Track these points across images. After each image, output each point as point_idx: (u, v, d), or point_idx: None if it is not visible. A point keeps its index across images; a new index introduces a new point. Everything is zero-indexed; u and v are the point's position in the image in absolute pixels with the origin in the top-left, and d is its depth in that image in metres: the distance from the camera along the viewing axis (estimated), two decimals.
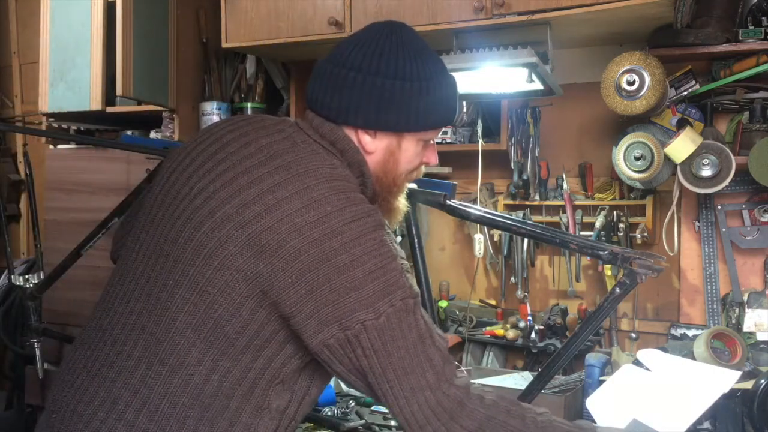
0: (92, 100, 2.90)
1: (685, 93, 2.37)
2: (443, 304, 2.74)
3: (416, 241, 1.65)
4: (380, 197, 1.36)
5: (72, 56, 2.95)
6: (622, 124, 2.44)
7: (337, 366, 1.18)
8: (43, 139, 3.28)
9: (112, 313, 1.25)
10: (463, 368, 1.23)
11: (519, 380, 2.42)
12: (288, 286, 1.14)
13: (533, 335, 2.52)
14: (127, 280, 1.26)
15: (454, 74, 2.21)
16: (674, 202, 2.41)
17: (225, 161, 1.23)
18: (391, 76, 1.27)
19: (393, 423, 2.22)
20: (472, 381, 1.29)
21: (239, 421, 1.21)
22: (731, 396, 1.98)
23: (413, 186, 1.66)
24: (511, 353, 2.68)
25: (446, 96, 1.34)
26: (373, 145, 1.31)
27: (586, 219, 2.53)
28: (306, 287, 1.13)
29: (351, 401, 2.42)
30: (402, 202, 1.41)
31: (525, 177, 2.58)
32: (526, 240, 2.60)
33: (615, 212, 2.48)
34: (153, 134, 2.91)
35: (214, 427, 1.20)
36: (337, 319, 1.14)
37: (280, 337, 1.20)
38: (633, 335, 2.52)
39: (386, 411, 2.34)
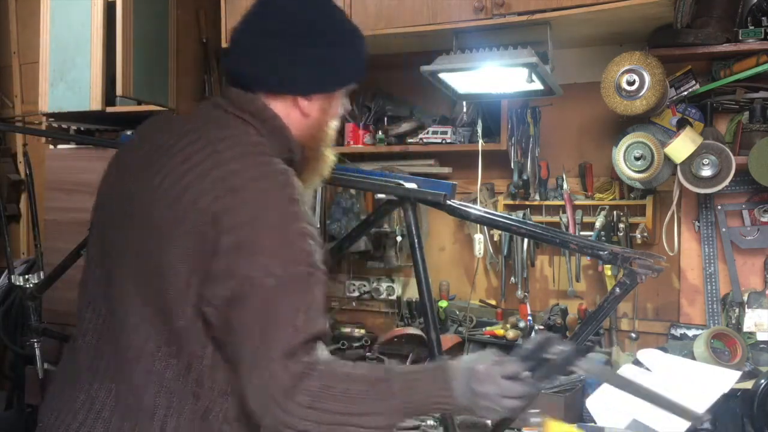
0: (92, 100, 2.90)
1: (685, 93, 2.37)
2: (443, 304, 2.74)
3: (416, 241, 1.65)
4: (316, 151, 1.41)
5: (72, 56, 2.94)
6: (622, 124, 2.43)
7: (216, 323, 1.18)
8: (43, 139, 3.28)
9: (82, 321, 1.32)
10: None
11: None
12: (199, 245, 1.17)
13: (533, 335, 2.52)
14: (90, 284, 1.33)
15: (454, 74, 2.25)
16: (674, 202, 2.41)
17: (157, 158, 1.28)
18: (312, 37, 1.32)
19: None
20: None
21: (209, 407, 1.23)
22: (731, 396, 1.98)
23: (413, 186, 1.66)
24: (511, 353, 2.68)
25: (362, 47, 1.41)
26: (310, 108, 1.36)
27: (586, 219, 2.53)
28: (211, 242, 1.16)
29: None
30: (330, 153, 1.46)
31: (525, 177, 2.58)
32: (526, 240, 2.60)
33: (615, 212, 2.48)
34: None
35: (183, 416, 1.21)
36: (228, 273, 1.16)
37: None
38: (633, 335, 2.52)
39: None
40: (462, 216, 1.69)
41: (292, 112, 1.35)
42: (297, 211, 1.21)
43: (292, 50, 1.32)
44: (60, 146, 3.21)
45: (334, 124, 1.43)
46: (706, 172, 2.25)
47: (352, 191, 2.88)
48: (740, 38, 2.23)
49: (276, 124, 1.33)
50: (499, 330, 2.62)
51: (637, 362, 2.17)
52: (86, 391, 1.25)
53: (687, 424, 1.90)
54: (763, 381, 1.97)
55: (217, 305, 1.17)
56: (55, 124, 3.11)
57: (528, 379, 1.19)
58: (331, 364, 1.20)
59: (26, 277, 2.62)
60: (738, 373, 2.01)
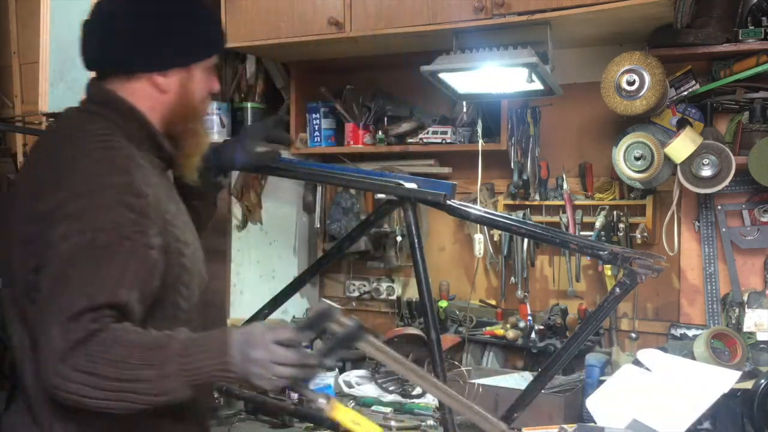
0: None
1: (685, 93, 2.37)
2: (443, 304, 2.74)
3: (416, 241, 1.65)
4: (184, 128, 1.44)
5: (72, 56, 2.90)
6: (622, 124, 2.43)
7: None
8: None
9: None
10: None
11: (519, 380, 2.42)
12: (25, 231, 1.25)
13: (533, 335, 2.52)
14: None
15: (454, 74, 2.25)
16: (674, 202, 2.41)
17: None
18: (159, 15, 1.37)
19: (393, 423, 2.22)
20: None
21: None
22: (731, 396, 1.98)
23: (413, 186, 1.66)
24: (511, 353, 2.68)
25: (214, 20, 1.48)
26: (168, 84, 1.39)
27: (586, 219, 2.53)
28: (31, 218, 1.24)
29: (351, 401, 2.42)
30: (204, 128, 1.51)
31: (525, 177, 2.58)
32: (526, 240, 2.60)
33: (615, 212, 2.48)
34: None
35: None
36: (36, 241, 1.21)
37: None
38: (633, 335, 2.52)
39: (386, 411, 2.35)
40: (462, 216, 1.69)
41: (149, 90, 1.38)
42: (118, 182, 1.24)
43: (134, 28, 1.36)
44: None
45: (200, 100, 1.45)
46: (706, 172, 2.25)
47: (352, 191, 2.88)
48: (740, 38, 2.23)
49: (124, 108, 1.36)
50: (499, 330, 2.62)
51: (637, 362, 2.17)
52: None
53: (687, 424, 1.90)
54: (763, 381, 1.97)
55: (31, 279, 1.21)
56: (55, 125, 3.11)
57: (303, 349, 1.17)
58: (119, 332, 1.17)
59: None
60: (738, 373, 2.01)
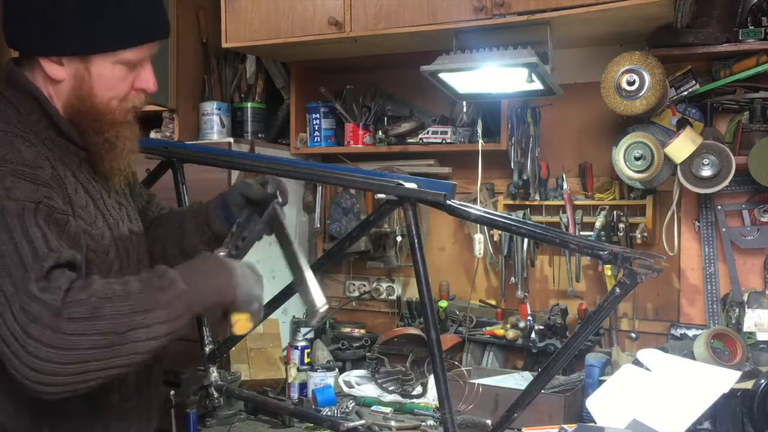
0: None
1: (685, 93, 2.37)
2: (443, 304, 2.74)
3: (416, 241, 1.65)
4: (86, 127, 1.30)
5: None
6: (622, 124, 2.43)
7: None
8: None
9: None
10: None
11: (519, 380, 2.42)
12: None
13: (533, 335, 2.52)
14: None
15: (454, 74, 2.25)
16: (674, 202, 2.41)
17: None
18: None
19: (393, 423, 2.22)
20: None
21: None
22: (731, 396, 1.98)
23: (413, 186, 1.66)
24: (511, 353, 2.68)
25: (130, 7, 1.27)
26: (61, 73, 1.26)
27: (586, 219, 2.53)
28: None
29: (351, 401, 2.42)
30: (125, 131, 1.33)
31: (525, 177, 2.58)
32: (526, 240, 2.60)
33: (615, 212, 2.48)
34: (153, 134, 2.91)
35: None
36: None
37: None
38: (633, 335, 2.52)
39: (386, 411, 2.35)
40: (462, 216, 1.69)
41: (43, 76, 1.26)
42: (4, 155, 1.14)
43: (31, 4, 1.23)
44: None
45: (107, 99, 1.29)
46: (706, 172, 2.25)
47: (352, 191, 2.88)
48: (740, 38, 2.23)
49: (23, 86, 1.26)
50: (499, 330, 2.62)
51: (637, 362, 2.17)
52: None
53: (687, 424, 1.90)
54: (763, 381, 1.97)
55: None
56: None
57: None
58: (90, 277, 1.15)
59: None
60: (738, 373, 2.01)
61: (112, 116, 1.30)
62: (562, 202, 2.56)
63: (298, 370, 2.54)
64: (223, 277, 1.21)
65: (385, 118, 2.88)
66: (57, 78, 1.26)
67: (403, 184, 1.66)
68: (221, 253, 1.36)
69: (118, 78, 1.29)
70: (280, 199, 1.46)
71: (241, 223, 1.46)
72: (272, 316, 2.01)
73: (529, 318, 2.56)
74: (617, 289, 1.48)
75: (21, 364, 1.06)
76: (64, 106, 1.29)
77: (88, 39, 1.24)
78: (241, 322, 1.25)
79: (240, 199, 1.49)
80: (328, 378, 2.49)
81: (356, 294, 3.04)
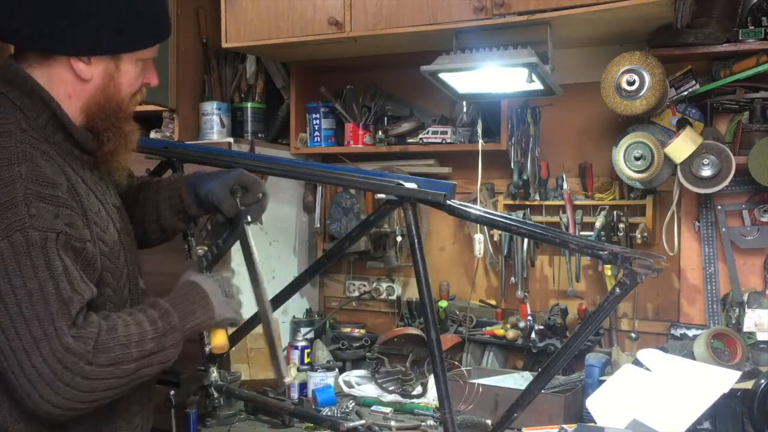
0: None
1: (685, 93, 2.37)
2: (443, 304, 2.74)
3: (416, 241, 1.65)
4: (107, 124, 1.32)
5: None
6: (622, 124, 2.43)
7: None
8: None
9: None
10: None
11: (519, 380, 2.42)
12: None
13: (533, 335, 2.52)
14: None
15: (454, 74, 2.25)
16: (674, 202, 2.41)
17: None
18: None
19: (393, 423, 2.22)
20: None
21: None
22: (731, 396, 1.98)
23: (413, 186, 1.66)
24: (511, 353, 2.68)
25: (154, 9, 1.34)
26: (89, 72, 1.27)
27: (586, 219, 2.53)
28: None
29: (351, 401, 2.42)
30: (133, 125, 1.38)
31: (525, 177, 2.58)
32: (526, 240, 2.60)
33: (615, 212, 2.48)
34: (153, 134, 2.91)
35: None
36: None
37: None
38: (633, 335, 2.52)
39: (386, 411, 2.35)
40: (462, 216, 1.69)
41: (68, 76, 1.26)
42: (24, 173, 1.14)
43: (55, 2, 1.22)
44: None
45: (129, 95, 1.34)
46: (706, 172, 2.25)
47: (352, 191, 2.88)
48: (740, 38, 2.23)
49: (31, 90, 1.24)
50: (499, 330, 2.62)
51: (637, 362, 2.17)
52: None
53: (687, 424, 1.90)
54: (763, 381, 1.97)
55: None
56: None
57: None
58: (113, 319, 1.22)
59: None
60: (738, 373, 2.01)
61: (127, 111, 1.35)
62: (562, 202, 2.56)
63: (298, 370, 2.54)
64: (204, 310, 1.37)
65: (385, 118, 2.88)
66: (85, 77, 1.27)
67: (403, 184, 1.66)
68: (200, 251, 1.54)
69: (137, 75, 1.34)
70: (249, 219, 1.54)
71: (213, 225, 1.57)
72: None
73: (529, 318, 2.56)
74: (617, 289, 1.48)
75: (41, 400, 1.13)
76: (86, 105, 1.29)
77: (120, 38, 1.27)
78: (218, 336, 1.44)
79: (213, 204, 1.56)
80: (328, 378, 2.49)
81: (356, 294, 3.03)
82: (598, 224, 2.47)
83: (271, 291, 1.72)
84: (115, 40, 1.27)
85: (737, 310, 2.35)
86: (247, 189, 1.57)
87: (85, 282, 1.20)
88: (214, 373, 2.04)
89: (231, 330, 1.48)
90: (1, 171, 1.14)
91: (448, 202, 1.64)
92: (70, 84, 1.27)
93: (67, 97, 1.27)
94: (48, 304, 1.13)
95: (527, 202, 2.63)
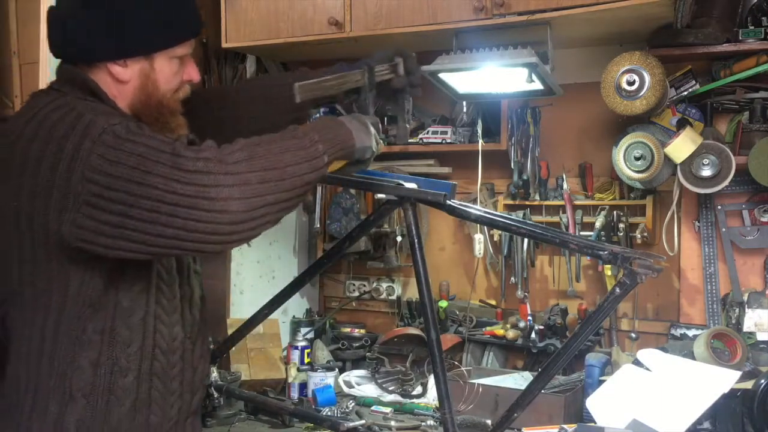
0: None
1: (685, 93, 2.37)
2: (443, 304, 2.74)
3: (416, 241, 1.65)
4: (154, 120, 1.37)
5: None
6: (622, 124, 2.43)
7: (99, 239, 1.16)
8: None
9: None
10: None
11: (519, 380, 2.42)
12: (32, 197, 1.20)
13: (533, 335, 2.52)
14: None
15: (454, 74, 2.25)
16: (674, 202, 2.41)
17: None
18: (110, 1, 1.30)
19: (393, 423, 2.22)
20: None
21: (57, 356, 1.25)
22: (731, 396, 1.98)
23: (413, 186, 1.66)
24: (511, 353, 2.68)
25: (177, 7, 1.38)
26: (127, 74, 1.34)
27: (586, 219, 2.53)
28: (35, 183, 1.19)
29: (351, 401, 2.42)
30: (180, 119, 1.43)
31: (525, 177, 2.58)
32: (526, 240, 2.60)
33: (615, 212, 2.48)
34: None
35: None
36: (62, 193, 1.16)
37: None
38: (633, 335, 2.52)
39: (386, 411, 2.35)
40: (462, 216, 1.69)
41: (109, 80, 1.34)
42: (128, 120, 1.23)
43: (87, 15, 1.30)
44: None
45: (168, 91, 1.39)
46: (706, 172, 2.25)
47: (352, 191, 2.88)
48: (740, 38, 2.23)
49: (90, 87, 1.32)
50: (499, 330, 2.62)
51: (637, 362, 2.17)
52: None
53: (687, 424, 1.90)
54: (763, 381, 1.97)
55: (77, 222, 1.18)
56: None
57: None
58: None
59: None
60: (738, 373, 2.01)
61: (171, 107, 1.40)
62: (562, 202, 2.56)
63: (298, 370, 2.54)
64: (342, 129, 1.33)
65: (385, 118, 2.88)
66: (124, 79, 1.34)
67: (403, 184, 1.66)
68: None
69: (174, 72, 1.39)
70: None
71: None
72: (272, 316, 2.01)
73: (529, 318, 2.56)
74: (617, 289, 1.48)
75: (210, 214, 1.12)
76: (131, 104, 1.36)
77: (151, 38, 1.34)
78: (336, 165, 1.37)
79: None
80: (328, 378, 2.49)
81: (356, 294, 3.03)
82: (598, 224, 2.47)
83: (271, 291, 1.72)
84: (145, 41, 1.34)
85: (737, 310, 2.35)
86: (406, 57, 1.65)
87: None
88: (214, 373, 2.04)
89: (359, 166, 1.41)
90: (110, 117, 1.22)
91: (448, 202, 1.64)
92: (113, 86, 1.34)
93: (114, 98, 1.35)
94: (162, 147, 1.16)
95: (527, 202, 2.63)
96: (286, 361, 2.60)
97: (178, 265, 1.41)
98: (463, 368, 2.48)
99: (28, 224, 1.21)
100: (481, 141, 2.63)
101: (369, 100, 1.53)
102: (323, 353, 2.76)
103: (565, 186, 2.58)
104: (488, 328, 2.66)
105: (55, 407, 1.24)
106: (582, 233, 2.51)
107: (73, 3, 1.32)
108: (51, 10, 1.35)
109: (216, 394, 2.03)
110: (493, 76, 2.25)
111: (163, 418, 1.36)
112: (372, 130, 1.40)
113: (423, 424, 2.22)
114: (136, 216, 1.13)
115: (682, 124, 2.35)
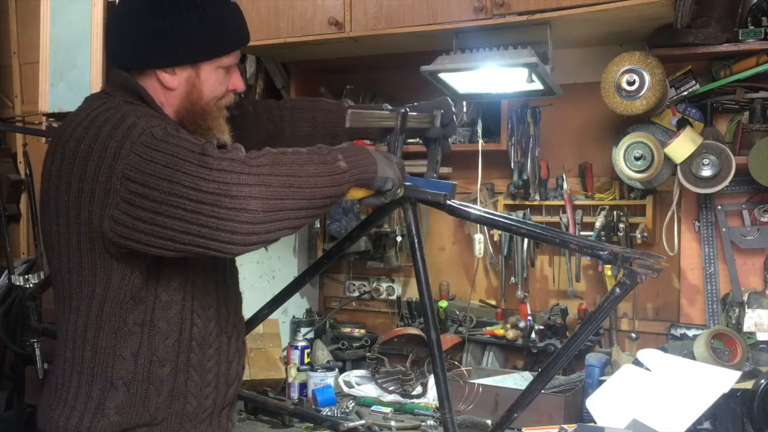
0: None
1: (685, 93, 2.37)
2: (443, 304, 2.74)
3: (416, 241, 1.65)
4: (197, 127, 1.44)
5: (72, 56, 2.94)
6: (622, 124, 2.43)
7: (134, 234, 1.22)
8: (43, 139, 3.28)
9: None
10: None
11: (519, 380, 2.42)
12: (79, 193, 1.26)
13: (533, 335, 2.52)
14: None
15: (454, 74, 2.25)
16: (674, 202, 2.41)
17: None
18: (161, 13, 1.37)
19: (393, 423, 2.22)
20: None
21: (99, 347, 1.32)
22: (731, 396, 1.98)
23: (413, 186, 1.66)
24: (511, 353, 2.68)
25: (224, 19, 1.45)
26: (174, 81, 1.41)
27: (586, 219, 2.53)
28: (73, 180, 1.27)
29: (351, 401, 2.42)
30: (222, 125, 1.49)
31: (525, 177, 2.58)
32: (526, 240, 2.60)
33: (615, 212, 2.48)
34: None
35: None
36: (105, 190, 1.22)
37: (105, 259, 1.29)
38: (633, 335, 2.52)
39: (386, 411, 2.35)
40: (462, 216, 1.69)
41: (158, 87, 1.41)
42: (162, 124, 1.28)
43: (137, 26, 1.38)
44: None
45: (212, 99, 1.45)
46: (706, 172, 2.25)
47: None
48: (740, 38, 2.23)
49: (139, 92, 1.39)
50: (499, 330, 2.62)
51: (637, 362, 2.17)
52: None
53: (687, 424, 1.90)
54: (763, 381, 1.97)
55: (114, 217, 1.24)
56: (55, 124, 3.10)
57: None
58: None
59: (26, 277, 2.62)
60: (738, 373, 2.01)
61: (214, 113, 1.47)
62: (562, 202, 2.56)
63: (298, 370, 2.54)
64: (366, 155, 1.38)
65: None
66: (171, 86, 1.41)
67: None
68: None
69: (220, 81, 1.46)
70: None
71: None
72: (272, 316, 2.01)
73: (529, 318, 2.56)
74: (617, 289, 1.48)
75: (231, 212, 1.15)
76: (176, 111, 1.43)
77: (198, 48, 1.41)
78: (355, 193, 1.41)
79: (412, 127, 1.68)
80: (328, 378, 2.49)
81: (356, 294, 3.04)
82: (598, 224, 2.47)
83: (271, 291, 1.72)
84: (193, 50, 1.41)
85: (737, 310, 2.35)
86: (446, 110, 1.72)
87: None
88: None
89: (380, 198, 1.45)
90: (151, 119, 1.29)
91: (448, 202, 1.64)
92: (161, 93, 1.42)
93: (161, 105, 1.42)
94: (191, 147, 1.20)
95: (527, 202, 2.63)
96: (286, 361, 2.60)
97: (214, 263, 1.45)
98: (463, 368, 2.48)
99: (77, 218, 1.27)
100: (481, 141, 2.63)
101: (399, 142, 1.61)
102: (323, 353, 2.76)
103: (565, 186, 2.58)
104: (488, 328, 2.67)
105: (97, 392, 1.31)
106: (582, 233, 2.51)
107: (128, 13, 1.40)
108: (109, 19, 1.46)
109: None
110: (493, 76, 2.25)
111: (198, 408, 1.41)
112: (395, 167, 1.45)
113: (423, 424, 2.22)
114: (165, 212, 1.17)
115: (682, 124, 2.35)
